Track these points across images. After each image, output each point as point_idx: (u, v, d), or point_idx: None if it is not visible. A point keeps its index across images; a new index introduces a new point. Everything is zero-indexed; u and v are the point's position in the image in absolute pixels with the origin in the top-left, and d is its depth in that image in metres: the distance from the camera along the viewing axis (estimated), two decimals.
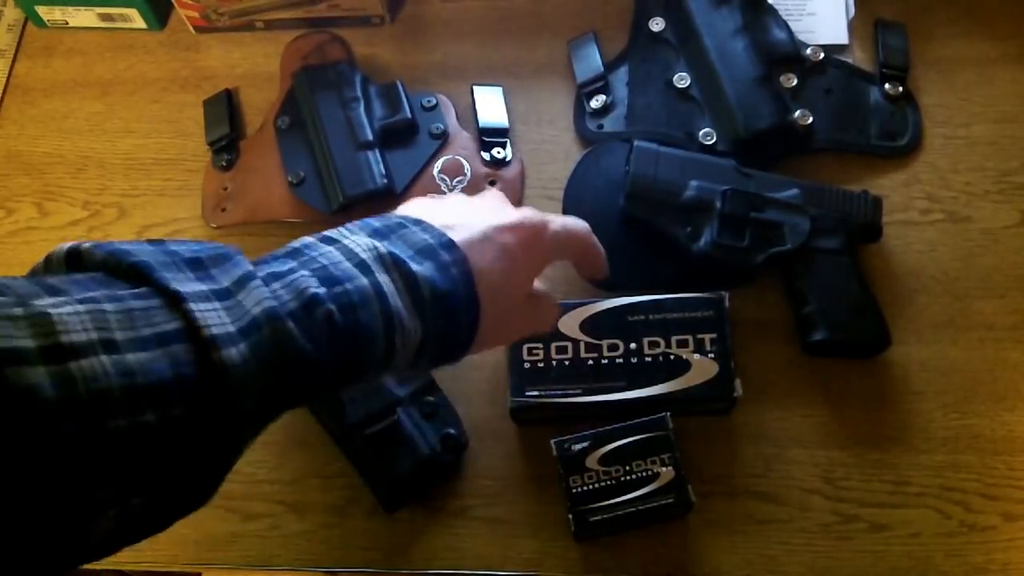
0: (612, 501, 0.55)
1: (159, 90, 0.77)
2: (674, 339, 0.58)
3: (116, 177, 0.74)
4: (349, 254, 0.38)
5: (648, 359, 0.58)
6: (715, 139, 0.68)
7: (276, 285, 0.35)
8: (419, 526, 0.60)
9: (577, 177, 0.66)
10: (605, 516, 0.54)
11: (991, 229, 0.66)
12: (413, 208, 0.45)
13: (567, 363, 0.58)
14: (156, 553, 0.60)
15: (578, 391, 0.57)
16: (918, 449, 0.60)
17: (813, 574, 0.57)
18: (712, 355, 0.57)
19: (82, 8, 0.78)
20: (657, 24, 0.73)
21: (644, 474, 0.55)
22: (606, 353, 0.58)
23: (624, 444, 0.55)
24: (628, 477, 0.55)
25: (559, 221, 0.48)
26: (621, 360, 0.58)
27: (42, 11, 0.79)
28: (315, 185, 0.68)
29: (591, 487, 0.55)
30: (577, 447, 0.56)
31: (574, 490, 0.55)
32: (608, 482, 0.55)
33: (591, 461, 0.55)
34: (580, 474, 0.55)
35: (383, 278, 0.37)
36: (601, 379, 0.58)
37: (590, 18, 0.76)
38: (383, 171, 0.67)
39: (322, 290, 0.35)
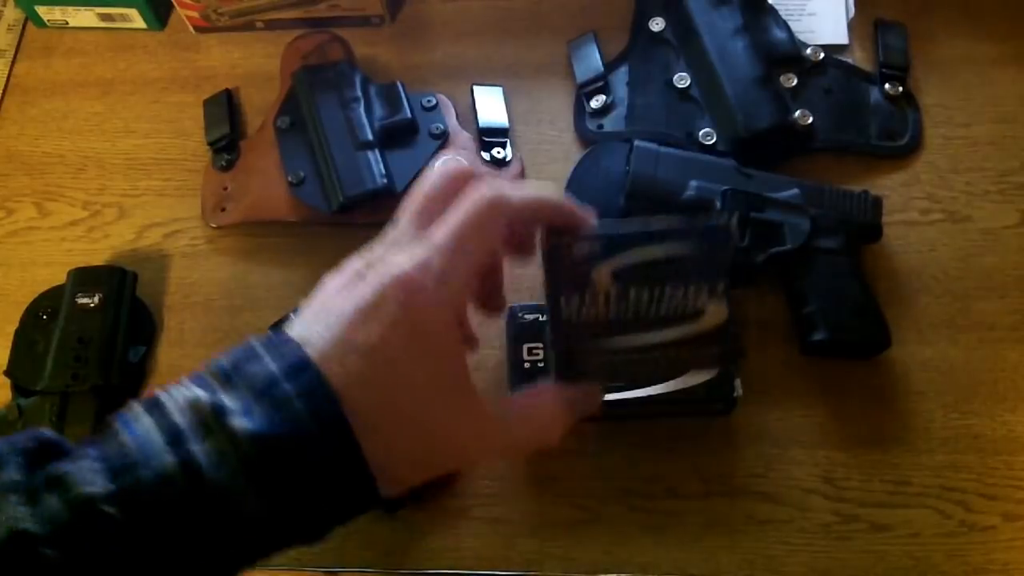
0: (624, 341, 0.38)
1: (159, 90, 0.77)
2: None
3: (116, 177, 0.74)
4: (163, 423, 0.31)
5: None
6: (715, 139, 0.68)
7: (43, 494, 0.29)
8: (419, 526, 0.60)
9: (577, 177, 0.66)
10: (608, 359, 0.38)
11: (991, 229, 0.66)
12: (314, 301, 0.35)
13: None
14: None
15: None
16: (918, 449, 0.60)
17: (813, 574, 0.57)
18: None
19: (82, 8, 0.78)
20: (657, 24, 0.73)
21: (679, 310, 0.37)
22: None
23: (654, 260, 0.37)
24: (653, 310, 0.37)
25: (489, 196, 0.35)
26: None
27: (42, 11, 0.79)
28: (315, 185, 0.68)
29: (594, 314, 0.37)
30: (581, 251, 0.37)
31: (566, 314, 0.37)
32: (624, 312, 0.37)
33: (601, 273, 0.37)
34: (579, 290, 0.37)
35: (197, 448, 0.30)
36: None
37: (590, 18, 0.76)
38: (383, 171, 0.67)
39: (102, 489, 0.29)
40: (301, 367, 0.31)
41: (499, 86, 0.73)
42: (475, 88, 0.73)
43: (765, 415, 0.61)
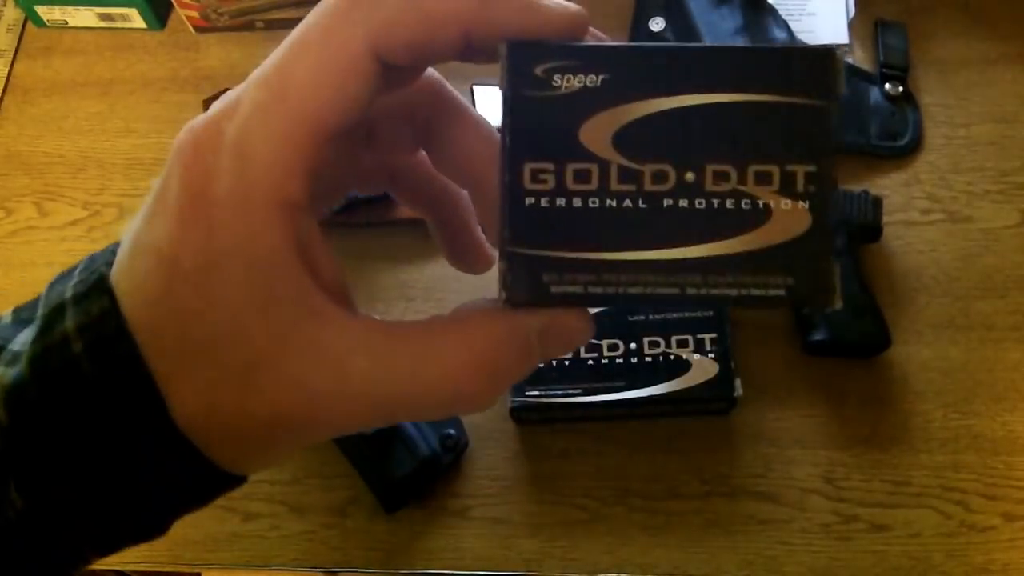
0: (625, 254, 0.23)
1: (159, 90, 0.77)
2: (674, 339, 0.58)
3: (116, 177, 0.74)
4: None
5: (648, 359, 0.58)
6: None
7: None
8: (419, 526, 0.60)
9: None
10: (597, 283, 0.23)
11: (991, 229, 0.66)
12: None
13: (567, 363, 0.58)
14: (156, 553, 0.60)
15: (578, 391, 0.57)
16: (918, 449, 0.60)
17: (813, 574, 0.57)
18: (712, 355, 0.57)
19: (82, 8, 0.78)
20: (657, 24, 0.73)
21: (727, 207, 0.23)
22: (606, 353, 0.58)
23: (688, 115, 0.23)
24: (681, 204, 0.23)
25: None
26: (621, 360, 0.58)
27: (42, 11, 0.79)
28: None
29: (578, 203, 0.23)
30: (565, 85, 0.23)
31: (530, 199, 0.23)
32: (630, 205, 0.23)
33: (595, 132, 0.23)
34: (555, 157, 0.23)
35: None
36: (601, 379, 0.57)
37: (590, 18, 0.76)
38: None
39: None
40: (95, 287, 0.22)
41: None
42: (475, 88, 0.73)
43: (765, 415, 0.61)
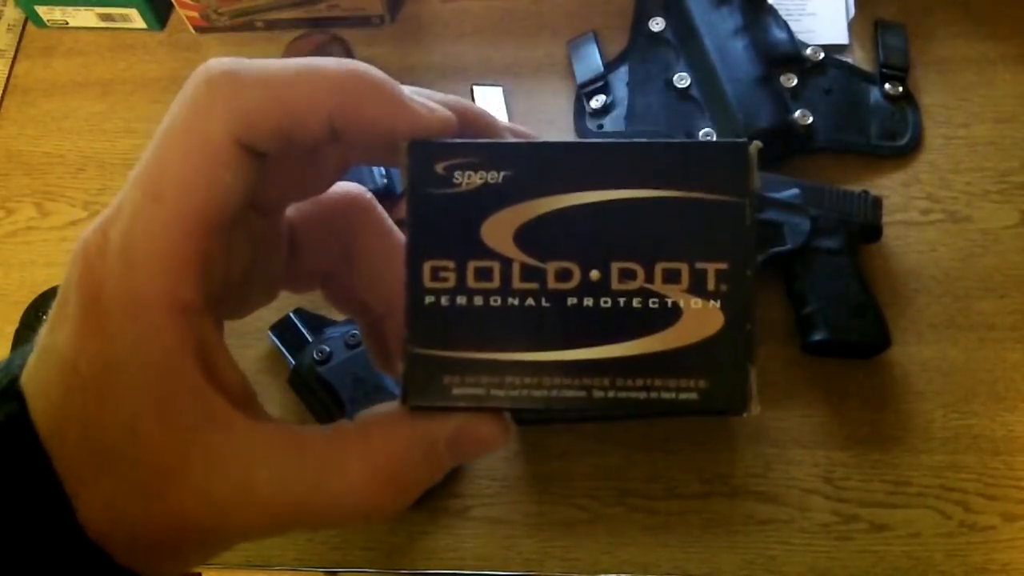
0: (528, 355, 0.23)
1: (159, 90, 0.77)
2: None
3: (116, 177, 0.74)
4: None
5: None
6: (715, 139, 0.68)
7: None
8: (419, 526, 0.60)
9: None
10: (500, 384, 0.23)
11: (991, 229, 0.66)
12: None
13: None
14: None
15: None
16: (918, 449, 0.60)
17: (813, 574, 0.57)
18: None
19: (82, 8, 0.78)
20: (657, 24, 0.73)
21: (633, 307, 0.23)
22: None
23: (591, 212, 0.23)
24: (586, 303, 0.23)
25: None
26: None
27: (42, 11, 0.79)
28: None
29: (479, 302, 0.23)
30: (464, 182, 0.23)
31: (429, 298, 0.23)
32: (532, 304, 0.23)
33: (496, 229, 0.23)
34: (457, 255, 0.23)
35: None
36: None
37: (590, 18, 0.76)
38: (383, 171, 0.67)
39: None
40: (6, 391, 0.22)
41: (499, 86, 0.73)
42: (475, 88, 0.73)
43: (765, 415, 0.61)
